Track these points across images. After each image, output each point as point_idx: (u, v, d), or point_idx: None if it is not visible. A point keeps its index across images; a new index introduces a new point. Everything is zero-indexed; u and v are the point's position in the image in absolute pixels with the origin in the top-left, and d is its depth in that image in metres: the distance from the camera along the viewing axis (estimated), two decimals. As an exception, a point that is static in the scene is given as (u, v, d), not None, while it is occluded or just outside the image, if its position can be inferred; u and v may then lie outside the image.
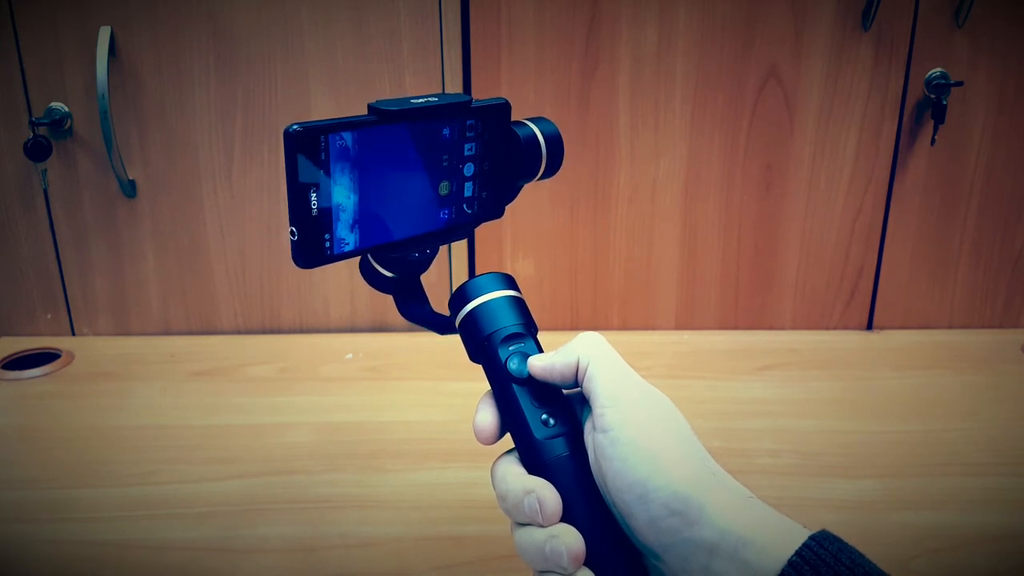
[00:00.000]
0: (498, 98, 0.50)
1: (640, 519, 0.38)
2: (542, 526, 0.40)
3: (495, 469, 0.44)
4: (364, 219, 0.45)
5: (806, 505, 0.67)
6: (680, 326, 1.01)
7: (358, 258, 0.48)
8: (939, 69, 0.91)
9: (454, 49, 0.90)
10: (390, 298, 0.52)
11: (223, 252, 0.98)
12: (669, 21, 0.90)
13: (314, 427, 0.79)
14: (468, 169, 0.50)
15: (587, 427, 0.43)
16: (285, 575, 0.60)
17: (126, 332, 1.01)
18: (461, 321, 0.47)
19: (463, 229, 0.51)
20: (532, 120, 0.52)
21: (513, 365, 0.45)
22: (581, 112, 0.93)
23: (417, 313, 0.50)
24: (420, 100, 0.46)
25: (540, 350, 0.46)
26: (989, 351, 0.95)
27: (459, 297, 0.47)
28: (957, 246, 0.98)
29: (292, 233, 0.43)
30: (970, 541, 0.63)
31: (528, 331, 0.46)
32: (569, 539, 0.39)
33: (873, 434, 0.77)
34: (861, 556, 0.36)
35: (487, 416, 0.45)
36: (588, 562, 0.40)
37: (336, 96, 0.92)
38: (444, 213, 0.49)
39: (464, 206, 0.50)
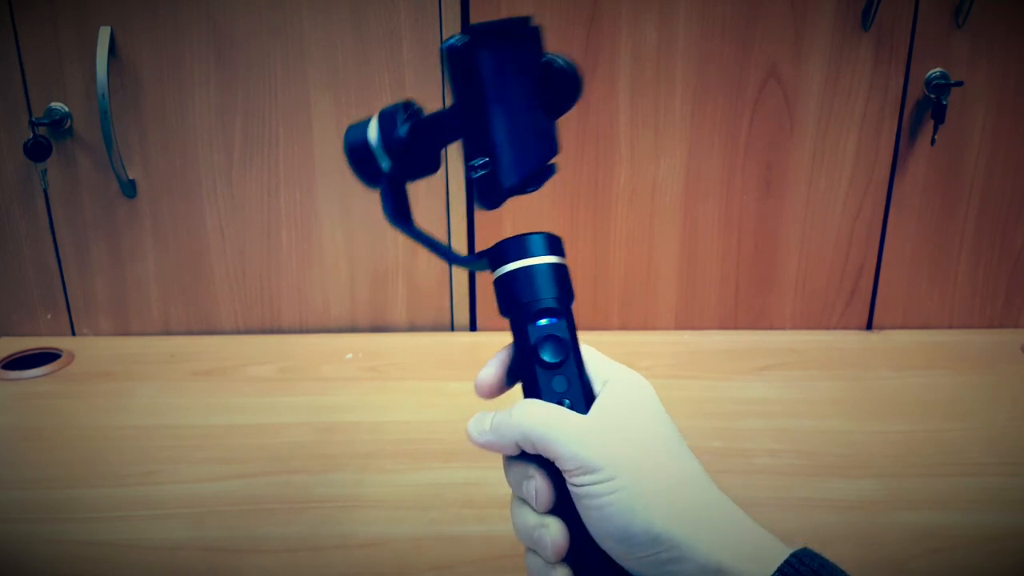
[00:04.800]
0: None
1: (623, 555, 0.39)
2: (535, 511, 0.42)
3: None
4: (514, 146, 0.42)
5: (806, 505, 0.67)
6: (680, 326, 1.01)
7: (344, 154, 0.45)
8: (939, 69, 0.91)
9: (454, 49, 0.90)
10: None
11: (223, 252, 0.98)
12: (669, 21, 0.90)
13: (314, 427, 0.79)
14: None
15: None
16: (285, 575, 0.60)
17: (126, 332, 1.01)
18: (497, 279, 0.46)
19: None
20: None
21: (542, 350, 0.44)
22: (581, 112, 0.93)
23: (402, 219, 0.47)
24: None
25: (572, 330, 0.45)
26: (989, 351, 0.95)
27: (500, 253, 0.45)
28: (957, 246, 0.98)
29: (477, 167, 0.38)
30: (970, 541, 0.63)
31: (562, 306, 0.45)
32: (555, 533, 0.41)
33: (873, 434, 0.77)
34: (842, 572, 0.37)
35: (492, 371, 0.45)
36: (571, 562, 0.41)
37: (336, 96, 0.92)
38: (555, 145, 0.48)
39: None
